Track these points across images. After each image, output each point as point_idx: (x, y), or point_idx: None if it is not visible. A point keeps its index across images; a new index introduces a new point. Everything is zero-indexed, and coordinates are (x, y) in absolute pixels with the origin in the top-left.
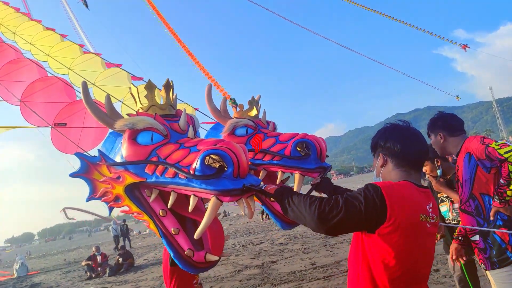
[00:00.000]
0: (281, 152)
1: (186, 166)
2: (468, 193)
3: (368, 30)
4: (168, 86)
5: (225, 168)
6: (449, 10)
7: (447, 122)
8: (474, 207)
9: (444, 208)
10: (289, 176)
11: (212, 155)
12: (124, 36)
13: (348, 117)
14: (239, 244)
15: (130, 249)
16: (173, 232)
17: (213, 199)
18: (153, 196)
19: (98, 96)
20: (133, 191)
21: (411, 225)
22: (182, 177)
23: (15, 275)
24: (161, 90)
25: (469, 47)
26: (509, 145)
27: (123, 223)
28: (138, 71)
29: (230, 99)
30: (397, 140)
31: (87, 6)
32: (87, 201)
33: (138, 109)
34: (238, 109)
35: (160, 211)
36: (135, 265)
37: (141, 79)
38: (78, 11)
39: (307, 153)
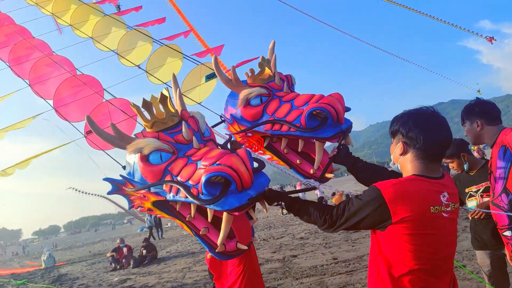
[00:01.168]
0: (297, 121)
1: (195, 185)
2: (501, 187)
3: (389, 23)
4: (163, 99)
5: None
6: (474, 0)
7: (486, 109)
8: (508, 202)
9: (473, 203)
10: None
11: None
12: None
13: (368, 112)
14: (259, 238)
15: (156, 241)
16: (203, 232)
17: (225, 214)
18: (178, 206)
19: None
20: (160, 204)
21: (421, 218)
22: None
23: (43, 266)
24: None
25: (495, 40)
26: None
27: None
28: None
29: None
30: (420, 131)
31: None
32: (129, 209)
33: (143, 129)
34: (250, 74)
35: (188, 215)
36: (158, 257)
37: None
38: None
39: (325, 116)
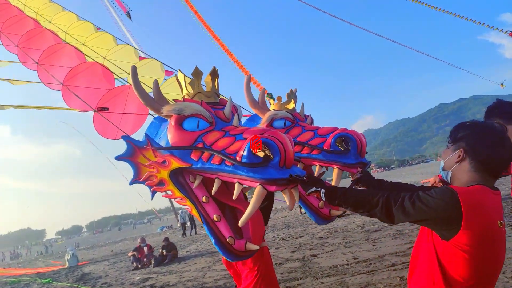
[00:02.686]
0: (320, 145)
1: (232, 154)
2: None
3: (408, 19)
4: (214, 74)
5: (271, 158)
6: None
7: (506, 110)
8: None
9: None
10: (325, 171)
11: (256, 146)
12: (160, 37)
13: (387, 109)
14: (278, 238)
15: (188, 237)
16: (215, 219)
17: (258, 188)
18: (196, 182)
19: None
20: (177, 176)
21: (489, 233)
22: (229, 164)
23: (67, 265)
24: (205, 77)
25: None
26: None
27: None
28: (173, 65)
29: (267, 93)
30: (487, 146)
31: (130, 18)
32: (130, 184)
33: (184, 96)
34: (276, 101)
35: (203, 197)
36: (178, 256)
37: (173, 73)
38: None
39: (347, 148)
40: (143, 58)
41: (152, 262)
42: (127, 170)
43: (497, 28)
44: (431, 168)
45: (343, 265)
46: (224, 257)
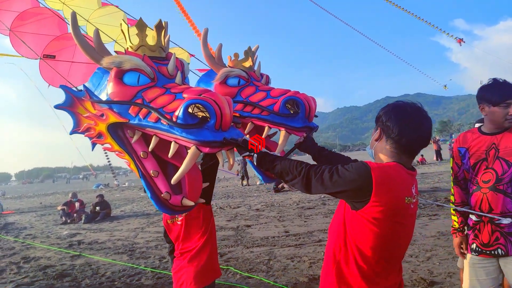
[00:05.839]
0: (270, 107)
1: (169, 113)
2: None
3: (368, 11)
4: (159, 27)
5: (208, 119)
6: None
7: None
8: None
9: None
10: (276, 132)
11: (196, 105)
12: None
13: (338, 94)
14: (216, 206)
15: (111, 199)
16: (152, 175)
17: (192, 148)
18: (135, 138)
19: (91, 33)
20: (116, 130)
21: (396, 207)
22: (165, 123)
23: None
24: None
25: (464, 42)
26: None
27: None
28: (136, 14)
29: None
30: (397, 123)
31: None
32: (70, 133)
33: (127, 48)
34: (233, 57)
35: (142, 152)
36: (111, 215)
37: (136, 21)
38: None
39: (296, 111)
40: (106, 4)
41: (83, 218)
42: (67, 120)
43: (447, 33)
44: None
45: (274, 237)
46: (163, 213)
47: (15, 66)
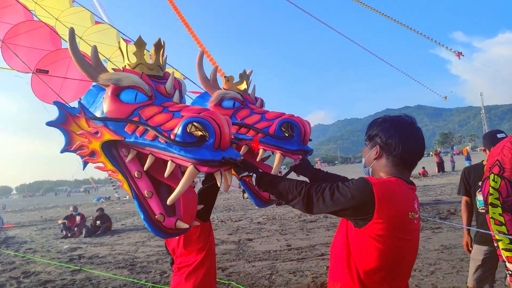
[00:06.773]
0: (265, 130)
1: (167, 131)
2: None
3: (367, 25)
4: (158, 46)
5: (207, 138)
6: (451, 11)
7: None
8: None
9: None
10: (270, 155)
11: (195, 123)
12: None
13: (338, 107)
14: (217, 219)
15: (112, 213)
16: (146, 195)
17: (190, 167)
18: (130, 156)
19: (84, 50)
20: (110, 149)
21: (400, 223)
22: (162, 141)
23: None
24: (151, 49)
25: (463, 55)
26: None
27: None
28: (129, 33)
29: (225, 76)
30: (400, 139)
31: None
32: (61, 152)
33: (125, 66)
34: (228, 80)
35: (136, 172)
36: (112, 229)
37: (129, 42)
38: None
39: (291, 134)
40: (99, 23)
41: (84, 232)
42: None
43: (446, 47)
44: None
45: (276, 251)
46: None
47: (20, 79)
